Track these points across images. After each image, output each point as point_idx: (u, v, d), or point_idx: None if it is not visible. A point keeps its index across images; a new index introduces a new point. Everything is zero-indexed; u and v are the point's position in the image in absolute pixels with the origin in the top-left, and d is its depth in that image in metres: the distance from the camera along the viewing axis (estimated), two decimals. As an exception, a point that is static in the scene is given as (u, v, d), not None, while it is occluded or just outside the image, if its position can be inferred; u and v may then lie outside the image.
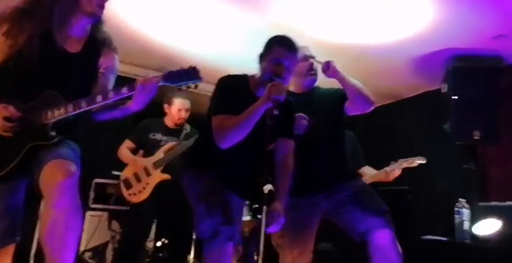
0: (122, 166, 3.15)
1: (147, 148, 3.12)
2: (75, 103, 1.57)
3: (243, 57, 2.53)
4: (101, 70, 1.76)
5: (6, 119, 1.55)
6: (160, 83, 1.61)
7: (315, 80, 2.26)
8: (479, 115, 3.21)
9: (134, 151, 3.16)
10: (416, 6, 2.74)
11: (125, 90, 1.59)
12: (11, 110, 1.56)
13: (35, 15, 1.60)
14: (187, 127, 3.19)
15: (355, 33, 3.12)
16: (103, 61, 1.76)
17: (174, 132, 3.17)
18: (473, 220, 2.93)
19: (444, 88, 3.44)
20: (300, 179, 2.03)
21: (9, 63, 1.59)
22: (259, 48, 1.98)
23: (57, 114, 1.57)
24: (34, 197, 1.58)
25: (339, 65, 2.11)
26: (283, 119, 1.91)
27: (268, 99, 1.77)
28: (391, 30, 3.08)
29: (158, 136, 3.15)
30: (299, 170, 2.03)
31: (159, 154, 3.06)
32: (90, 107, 1.59)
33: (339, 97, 2.17)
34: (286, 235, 2.08)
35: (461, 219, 2.98)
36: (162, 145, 3.10)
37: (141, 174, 3.05)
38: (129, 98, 1.64)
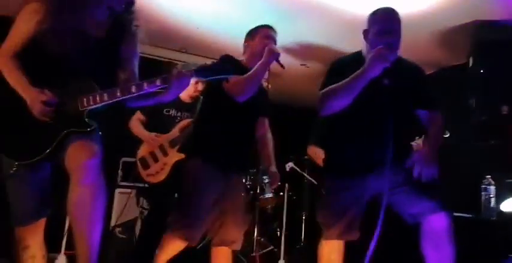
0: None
1: (161, 124, 3.05)
2: (111, 92, 1.59)
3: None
4: (126, 56, 1.77)
5: (44, 103, 1.56)
6: (194, 78, 1.64)
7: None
8: (508, 90, 3.10)
9: (145, 125, 3.09)
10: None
11: (158, 82, 1.60)
12: (48, 95, 1.57)
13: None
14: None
15: (377, 3, 3.03)
16: (127, 46, 1.76)
17: (189, 107, 3.09)
18: (501, 197, 2.89)
19: (471, 62, 3.33)
20: (354, 159, 2.02)
21: (31, 46, 1.60)
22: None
23: (93, 102, 1.59)
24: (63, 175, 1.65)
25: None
26: None
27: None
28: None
29: (173, 112, 3.09)
30: (352, 148, 2.03)
31: (175, 132, 3.00)
32: (124, 97, 1.60)
33: (421, 84, 2.09)
34: (333, 214, 2.06)
35: (487, 196, 2.93)
36: (178, 122, 3.04)
37: (158, 153, 3.01)
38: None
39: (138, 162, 3.04)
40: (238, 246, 2.30)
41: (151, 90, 1.62)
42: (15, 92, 1.59)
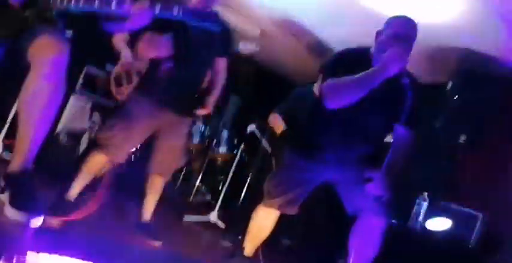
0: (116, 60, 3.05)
1: None
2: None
3: None
4: None
5: None
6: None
7: None
8: (472, 120, 3.22)
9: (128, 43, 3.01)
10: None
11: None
12: None
13: None
14: None
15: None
16: None
17: None
18: (430, 215, 3.05)
19: (449, 85, 3.40)
20: (324, 145, 2.02)
21: None
22: None
23: (66, 1, 1.49)
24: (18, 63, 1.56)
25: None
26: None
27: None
28: (422, 12, 2.89)
29: None
30: (327, 135, 2.02)
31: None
32: (101, 10, 1.50)
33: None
34: (280, 187, 2.11)
35: (418, 210, 3.10)
36: None
37: (133, 75, 2.96)
38: None
39: (112, 79, 2.96)
40: (166, 178, 2.40)
41: (130, 11, 1.53)
42: None
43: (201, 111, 2.41)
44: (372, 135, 1.99)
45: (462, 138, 3.23)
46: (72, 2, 1.49)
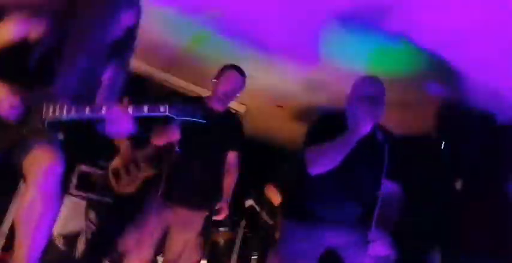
0: (109, 156, 3.12)
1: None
2: (80, 108, 1.56)
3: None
4: (105, 81, 1.76)
5: (12, 106, 1.53)
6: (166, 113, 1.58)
7: None
8: (465, 166, 3.27)
9: None
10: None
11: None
12: (16, 98, 1.53)
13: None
14: None
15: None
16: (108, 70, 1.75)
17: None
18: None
19: (434, 134, 3.50)
20: (319, 210, 2.02)
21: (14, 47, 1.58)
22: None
23: (58, 112, 1.57)
24: (10, 176, 1.59)
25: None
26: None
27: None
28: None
29: None
30: (321, 199, 2.03)
31: (151, 147, 2.95)
32: (92, 116, 1.57)
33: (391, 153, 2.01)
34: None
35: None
36: None
37: (131, 166, 2.99)
38: None
39: (109, 172, 3.01)
40: None
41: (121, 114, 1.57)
42: None
43: (218, 217, 2.48)
44: (365, 193, 2.00)
45: (458, 185, 3.23)
46: (64, 112, 1.55)
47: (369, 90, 2.02)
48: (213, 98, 2.48)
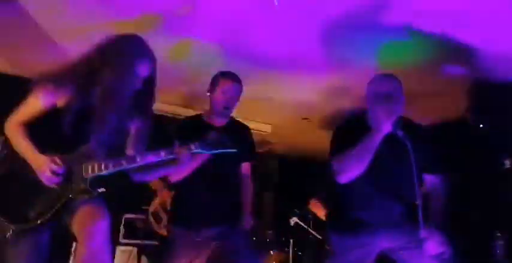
0: (150, 200, 3.19)
1: None
2: (116, 161, 1.63)
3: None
4: (133, 131, 1.81)
5: (54, 172, 1.59)
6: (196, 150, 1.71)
7: None
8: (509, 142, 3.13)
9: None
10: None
11: (163, 152, 1.67)
12: (58, 163, 1.60)
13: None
14: None
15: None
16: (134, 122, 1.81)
17: None
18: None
19: (471, 117, 3.37)
20: (366, 215, 1.96)
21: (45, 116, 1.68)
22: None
23: (97, 169, 1.62)
24: (65, 238, 1.64)
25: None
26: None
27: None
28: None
29: None
30: (364, 203, 1.98)
31: None
32: (129, 167, 1.65)
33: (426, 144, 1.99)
34: None
35: (498, 253, 2.87)
36: None
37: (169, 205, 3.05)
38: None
39: (150, 216, 3.05)
40: None
41: (156, 160, 1.66)
42: (19, 157, 1.63)
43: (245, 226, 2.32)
44: (404, 191, 1.94)
45: (508, 163, 3.11)
46: (103, 168, 1.62)
47: (383, 88, 1.98)
48: (211, 113, 2.29)
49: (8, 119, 1.70)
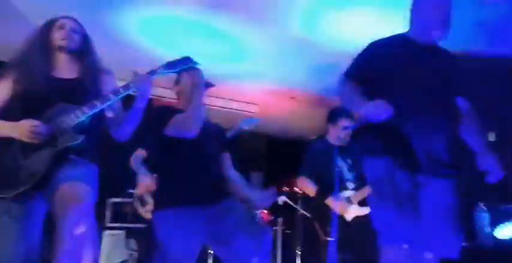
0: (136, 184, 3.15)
1: None
2: (90, 104, 1.66)
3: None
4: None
5: (35, 132, 1.58)
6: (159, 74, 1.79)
7: None
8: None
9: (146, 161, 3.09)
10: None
11: (132, 84, 1.73)
12: (35, 123, 1.60)
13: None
14: None
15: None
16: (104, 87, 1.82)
17: None
18: (495, 224, 2.86)
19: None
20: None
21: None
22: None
23: (75, 116, 1.64)
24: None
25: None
26: None
27: None
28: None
29: None
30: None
31: None
32: (103, 105, 1.69)
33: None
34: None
35: (482, 224, 2.92)
36: None
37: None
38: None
39: (135, 200, 3.01)
40: None
41: (125, 93, 1.72)
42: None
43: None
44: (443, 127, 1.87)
45: (491, 137, 3.13)
46: (80, 114, 1.65)
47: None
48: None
49: None
